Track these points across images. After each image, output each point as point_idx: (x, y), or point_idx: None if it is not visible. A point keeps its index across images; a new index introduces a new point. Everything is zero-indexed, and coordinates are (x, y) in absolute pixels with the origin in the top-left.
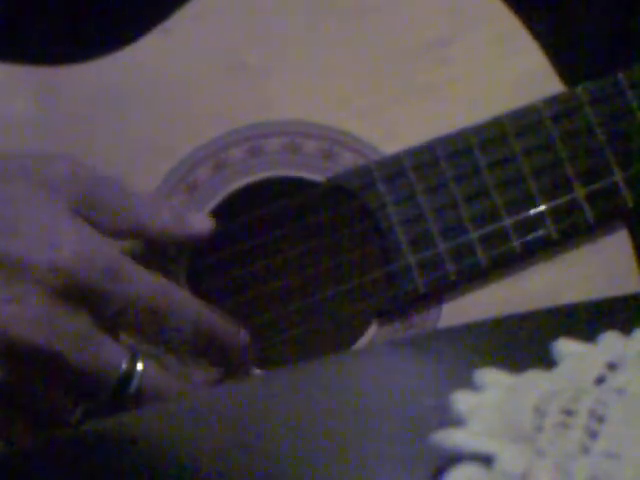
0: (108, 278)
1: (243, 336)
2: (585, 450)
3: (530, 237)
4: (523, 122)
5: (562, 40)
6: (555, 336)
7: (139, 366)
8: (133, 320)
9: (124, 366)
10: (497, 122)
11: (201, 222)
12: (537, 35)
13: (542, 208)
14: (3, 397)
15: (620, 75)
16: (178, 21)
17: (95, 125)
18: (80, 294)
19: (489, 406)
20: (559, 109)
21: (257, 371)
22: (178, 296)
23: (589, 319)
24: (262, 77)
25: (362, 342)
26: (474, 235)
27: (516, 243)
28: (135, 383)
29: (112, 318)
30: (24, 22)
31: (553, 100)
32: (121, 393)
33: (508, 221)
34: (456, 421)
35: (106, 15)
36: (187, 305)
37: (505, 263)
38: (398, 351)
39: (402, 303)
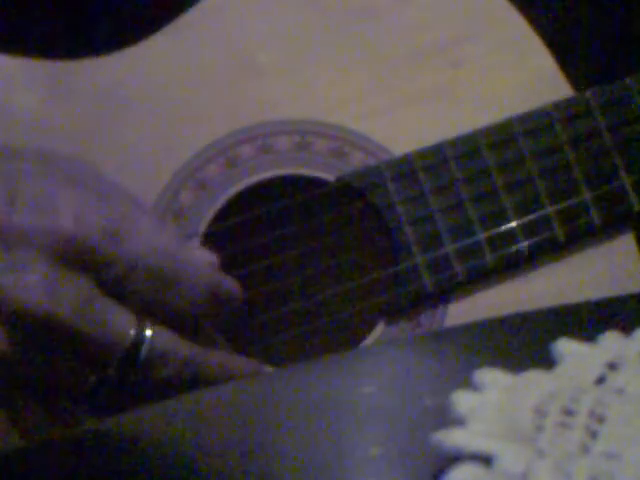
0: (109, 240)
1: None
2: (585, 450)
3: (537, 239)
4: (532, 125)
5: (565, 42)
6: (555, 336)
7: (148, 331)
8: (138, 284)
9: (132, 332)
10: (506, 124)
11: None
12: (540, 37)
13: (549, 210)
14: (11, 370)
15: (629, 80)
16: (187, 20)
17: (106, 121)
18: (82, 259)
19: (489, 406)
20: (568, 113)
21: (267, 368)
22: (184, 256)
23: (589, 319)
24: (272, 76)
25: (369, 341)
26: (482, 236)
27: (523, 245)
28: (145, 348)
29: (116, 282)
30: (34, 18)
31: (562, 104)
32: (131, 359)
33: (516, 223)
34: (456, 421)
35: (116, 12)
36: (193, 265)
37: (512, 264)
38: (398, 351)
39: (409, 302)
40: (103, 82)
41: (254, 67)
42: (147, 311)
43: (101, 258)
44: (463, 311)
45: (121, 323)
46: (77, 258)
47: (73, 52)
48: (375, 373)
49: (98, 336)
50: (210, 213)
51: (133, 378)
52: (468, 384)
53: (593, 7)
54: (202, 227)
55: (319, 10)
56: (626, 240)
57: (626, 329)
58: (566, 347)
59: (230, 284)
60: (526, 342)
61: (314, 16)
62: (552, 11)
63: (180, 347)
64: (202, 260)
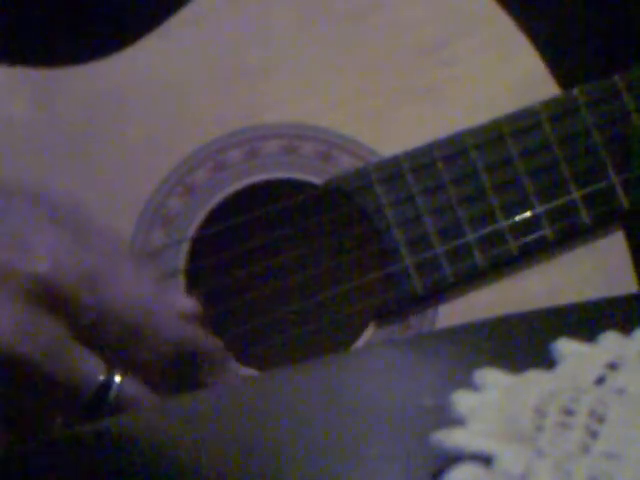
0: (85, 286)
1: (221, 352)
2: (585, 450)
3: (527, 239)
4: (520, 124)
5: (560, 42)
6: (555, 336)
7: (117, 378)
8: (110, 331)
9: (101, 377)
10: (494, 124)
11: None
12: (535, 37)
13: (539, 210)
14: None
15: (617, 77)
16: (176, 23)
17: (94, 127)
18: (56, 302)
19: (489, 406)
20: (556, 111)
21: (254, 371)
22: (158, 309)
23: (589, 319)
24: (260, 79)
25: (359, 344)
26: (471, 237)
27: (513, 245)
28: (112, 394)
29: (89, 328)
30: (23, 25)
31: (550, 102)
32: (98, 404)
33: (505, 223)
34: (456, 421)
35: (105, 18)
36: (167, 323)
37: (502, 265)
38: (398, 351)
39: (400, 305)
40: (89, 89)
41: (242, 71)
42: (117, 358)
43: (75, 303)
44: (454, 312)
45: (90, 369)
46: (50, 300)
47: (61, 59)
48: (375, 373)
49: (66, 380)
50: (198, 218)
51: (99, 419)
52: (468, 384)
53: (584, 5)
54: (190, 233)
55: (307, 13)
56: (616, 239)
57: (626, 329)
58: (566, 347)
59: (206, 340)
60: (526, 342)
61: (302, 20)
62: (544, 9)
63: (147, 396)
64: (180, 310)
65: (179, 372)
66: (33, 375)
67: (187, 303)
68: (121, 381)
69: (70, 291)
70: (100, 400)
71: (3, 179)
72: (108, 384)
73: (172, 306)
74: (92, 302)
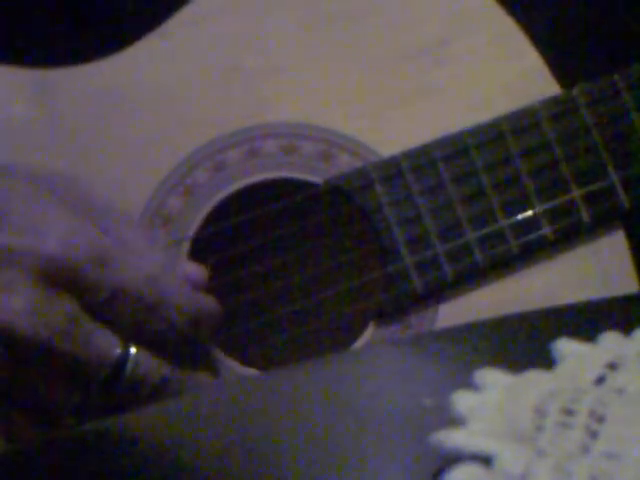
0: (95, 264)
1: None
2: (585, 450)
3: (527, 238)
4: (520, 123)
5: (560, 42)
6: (555, 336)
7: (131, 352)
8: (122, 307)
9: (115, 353)
10: (494, 123)
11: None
12: (536, 36)
13: (539, 209)
14: None
15: (616, 76)
16: (176, 24)
17: (94, 127)
18: (68, 282)
19: (489, 406)
20: (556, 110)
21: (254, 371)
22: (168, 285)
23: (589, 319)
24: (260, 79)
25: (360, 343)
26: (471, 236)
27: (513, 244)
28: (128, 369)
29: (101, 305)
30: (24, 24)
31: (550, 101)
32: (115, 380)
33: (505, 222)
34: (456, 421)
35: (105, 18)
36: (176, 291)
37: (502, 264)
38: (398, 351)
39: (400, 304)
40: (89, 89)
41: (242, 71)
42: (131, 333)
43: (86, 281)
44: (454, 312)
45: (105, 344)
46: (62, 280)
47: (61, 59)
48: (375, 373)
49: (82, 357)
50: (198, 218)
51: (115, 396)
52: (468, 384)
53: (584, 4)
54: (190, 232)
55: (305, 13)
56: (616, 238)
57: (626, 329)
58: (566, 347)
59: (209, 304)
60: (526, 342)
61: (300, 19)
62: (544, 9)
63: (161, 368)
64: (186, 279)
65: (189, 343)
66: (49, 354)
67: (194, 269)
68: (135, 356)
69: (80, 269)
70: (117, 375)
71: (6, 166)
72: (124, 358)
73: (182, 275)
74: (102, 279)
